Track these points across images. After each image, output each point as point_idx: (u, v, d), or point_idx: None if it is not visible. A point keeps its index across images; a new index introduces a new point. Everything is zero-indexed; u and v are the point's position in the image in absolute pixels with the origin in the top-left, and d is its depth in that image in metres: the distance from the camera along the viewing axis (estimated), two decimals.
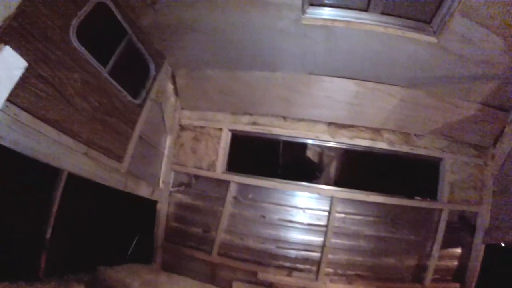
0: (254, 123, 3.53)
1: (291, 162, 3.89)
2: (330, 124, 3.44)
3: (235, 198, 3.56)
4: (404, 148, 3.53)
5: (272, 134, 3.51)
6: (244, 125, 3.57)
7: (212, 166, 3.60)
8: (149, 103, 3.16)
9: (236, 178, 3.51)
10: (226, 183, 3.53)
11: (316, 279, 3.38)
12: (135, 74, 3.05)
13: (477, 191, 3.75)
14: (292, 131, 3.45)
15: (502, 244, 3.68)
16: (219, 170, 3.57)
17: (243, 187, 3.54)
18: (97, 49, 2.22)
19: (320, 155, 3.94)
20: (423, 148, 3.52)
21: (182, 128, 3.81)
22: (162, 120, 3.55)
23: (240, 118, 3.58)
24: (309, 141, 3.51)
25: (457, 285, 3.84)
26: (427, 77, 3.04)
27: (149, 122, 3.21)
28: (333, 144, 3.51)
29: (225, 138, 3.63)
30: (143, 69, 3.12)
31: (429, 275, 3.70)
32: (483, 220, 3.79)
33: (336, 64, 3.01)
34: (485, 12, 2.33)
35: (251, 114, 3.56)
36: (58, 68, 1.91)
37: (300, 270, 3.45)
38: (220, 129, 3.62)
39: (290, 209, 3.47)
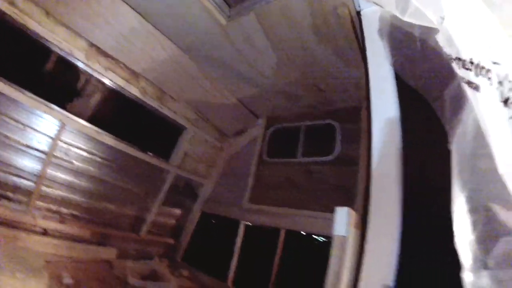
0: (12, 3, 2.61)
1: (47, 73, 3.17)
2: (92, 45, 3.06)
3: None
4: (155, 104, 3.55)
5: (26, 27, 2.71)
6: None
7: None
8: None
9: None
10: None
11: (26, 212, 2.94)
12: None
13: (207, 167, 4.49)
14: (49, 33, 2.76)
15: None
16: None
17: None
18: None
19: (86, 81, 3.48)
20: (173, 111, 3.76)
21: None
22: None
23: None
24: (60, 53, 2.95)
25: (172, 240, 4.43)
26: (203, 51, 3.16)
27: None
28: (88, 70, 3.13)
29: None
30: None
31: (145, 227, 4.05)
32: (206, 192, 4.61)
33: None
34: (275, 27, 2.58)
35: None
36: None
37: (9, 198, 2.89)
38: None
39: (9, 120, 2.80)
